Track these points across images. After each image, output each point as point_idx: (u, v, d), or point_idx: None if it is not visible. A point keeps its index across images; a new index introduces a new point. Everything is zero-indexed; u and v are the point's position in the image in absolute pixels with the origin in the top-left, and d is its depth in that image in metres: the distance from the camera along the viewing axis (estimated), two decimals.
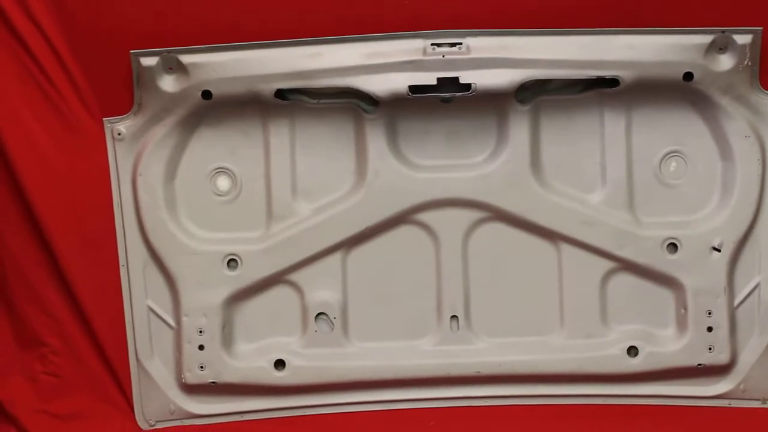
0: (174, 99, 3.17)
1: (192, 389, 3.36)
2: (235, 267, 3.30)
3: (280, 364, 3.35)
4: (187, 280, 3.29)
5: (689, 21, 3.17)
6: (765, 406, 3.39)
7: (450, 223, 3.32)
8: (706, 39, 3.15)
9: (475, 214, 3.32)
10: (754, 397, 3.39)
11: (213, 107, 3.20)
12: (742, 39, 3.16)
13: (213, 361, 3.32)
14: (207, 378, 3.33)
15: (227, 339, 3.34)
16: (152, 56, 3.13)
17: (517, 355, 3.37)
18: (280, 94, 3.18)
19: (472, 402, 3.39)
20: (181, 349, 3.32)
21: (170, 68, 3.14)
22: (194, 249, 3.29)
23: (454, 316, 3.37)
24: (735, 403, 3.39)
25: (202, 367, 3.32)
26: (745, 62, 3.17)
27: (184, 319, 3.30)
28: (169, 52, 3.13)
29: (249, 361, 3.35)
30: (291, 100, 3.22)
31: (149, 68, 3.13)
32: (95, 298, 3.32)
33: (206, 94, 3.15)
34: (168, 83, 3.16)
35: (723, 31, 3.15)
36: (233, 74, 3.14)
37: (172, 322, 3.34)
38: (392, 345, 3.39)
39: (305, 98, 3.24)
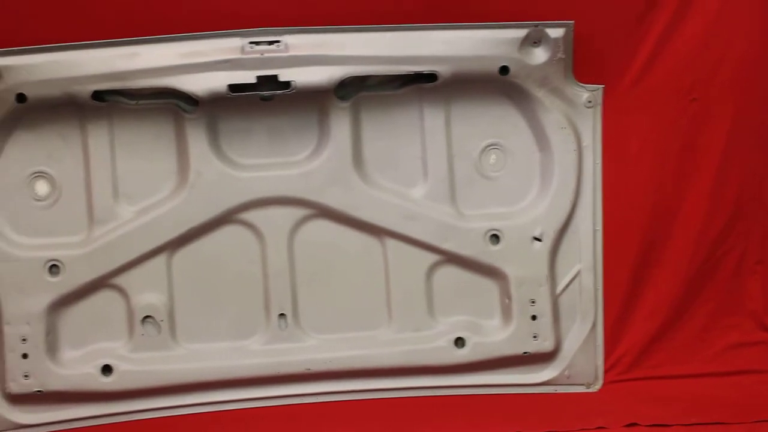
0: None
1: (17, 399, 3.27)
2: (57, 273, 3.24)
3: (107, 369, 3.29)
4: (7, 288, 3.22)
5: (505, 16, 3.23)
6: (589, 390, 3.48)
7: (275, 221, 3.32)
8: (521, 33, 3.21)
9: (299, 212, 3.32)
10: (579, 383, 3.48)
11: (28, 110, 3.13)
12: (555, 33, 3.23)
13: (38, 369, 3.24)
14: (32, 387, 3.25)
15: (52, 346, 3.27)
16: None
17: (346, 350, 3.39)
18: (98, 95, 3.13)
19: (303, 399, 3.39)
20: (4, 358, 3.24)
21: None
22: (14, 256, 3.22)
23: (282, 315, 3.37)
24: (561, 389, 3.47)
25: (26, 375, 3.24)
26: (559, 55, 3.25)
27: (6, 328, 3.22)
28: None
29: (75, 367, 3.29)
30: (109, 102, 3.17)
31: None
32: None
33: (21, 98, 3.08)
34: None
35: (536, 25, 3.21)
36: (48, 76, 3.07)
37: None
38: (221, 346, 3.37)
39: (123, 99, 3.19)
